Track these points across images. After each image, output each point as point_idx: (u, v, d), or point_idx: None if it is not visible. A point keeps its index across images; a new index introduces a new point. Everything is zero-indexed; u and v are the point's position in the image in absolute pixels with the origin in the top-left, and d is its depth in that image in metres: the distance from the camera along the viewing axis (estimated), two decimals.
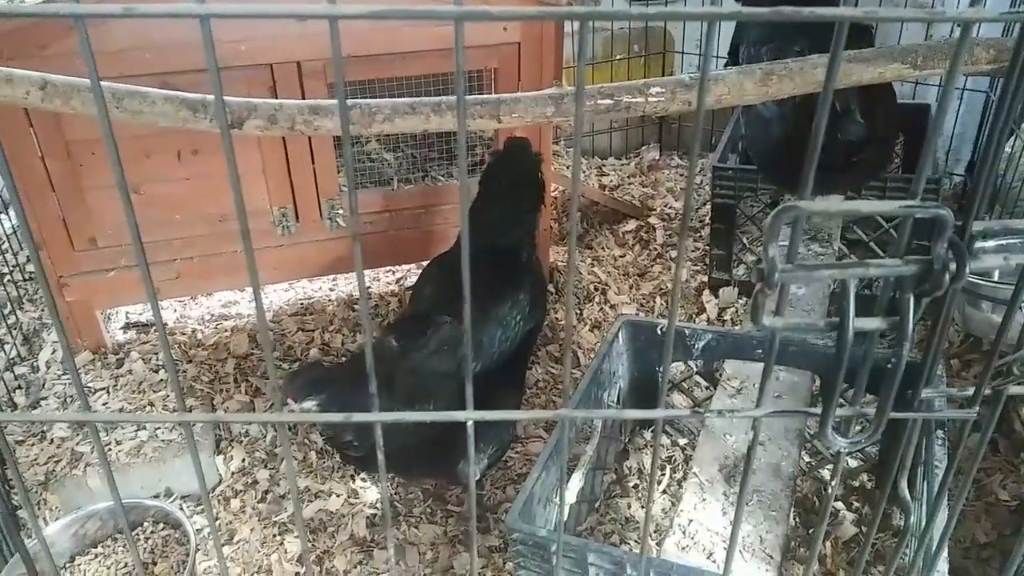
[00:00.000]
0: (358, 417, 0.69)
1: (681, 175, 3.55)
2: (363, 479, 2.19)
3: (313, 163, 2.30)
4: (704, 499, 1.50)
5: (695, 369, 1.91)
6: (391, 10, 0.49)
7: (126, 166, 1.82)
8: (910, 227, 0.58)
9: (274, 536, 2.01)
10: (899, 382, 0.63)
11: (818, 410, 0.65)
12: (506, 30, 2.26)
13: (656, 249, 3.06)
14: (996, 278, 1.51)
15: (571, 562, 1.31)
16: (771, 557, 1.38)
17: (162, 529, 1.79)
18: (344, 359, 2.45)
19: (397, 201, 2.46)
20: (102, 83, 1.47)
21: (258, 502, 2.10)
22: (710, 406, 1.77)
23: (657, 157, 3.72)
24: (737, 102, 1.73)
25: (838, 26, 0.49)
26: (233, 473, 2.16)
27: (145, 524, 1.79)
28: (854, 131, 1.84)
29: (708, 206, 3.24)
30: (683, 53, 3.62)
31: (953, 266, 0.54)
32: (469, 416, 0.67)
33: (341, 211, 2.38)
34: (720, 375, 1.83)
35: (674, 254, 3.02)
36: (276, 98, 2.14)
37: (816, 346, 1.75)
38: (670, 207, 3.28)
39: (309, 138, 2.27)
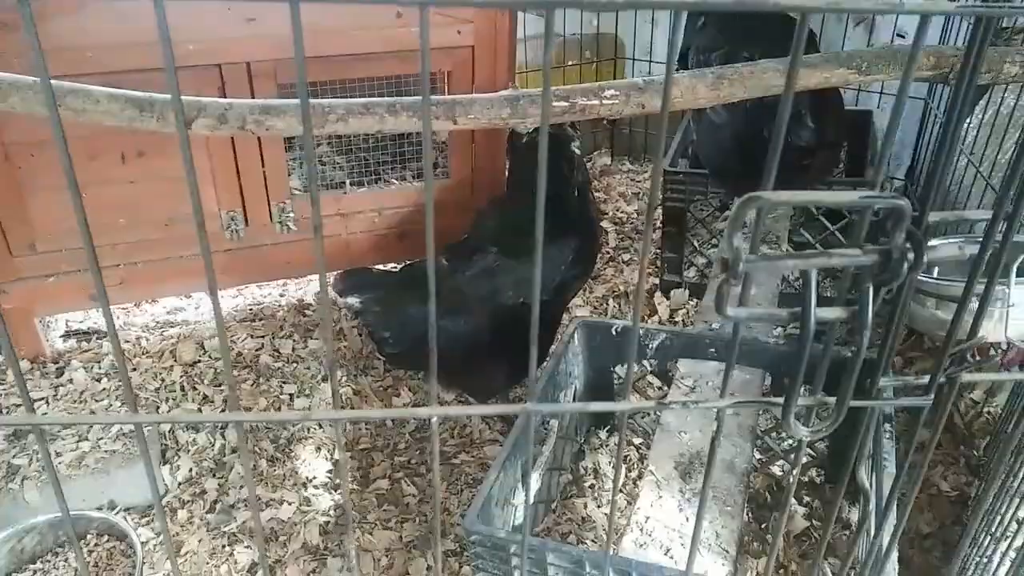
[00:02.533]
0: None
1: (632, 180, 3.59)
2: (315, 486, 2.15)
3: (263, 166, 2.26)
4: (660, 496, 1.51)
5: (649, 369, 1.92)
6: None
7: None
8: (868, 218, 0.59)
9: (223, 547, 1.96)
10: (858, 372, 0.64)
11: (781, 400, 0.66)
12: (460, 33, 2.26)
13: (608, 252, 3.08)
14: (936, 275, 1.56)
15: (530, 563, 1.30)
16: (727, 552, 1.40)
17: (107, 541, 1.72)
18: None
19: (349, 204, 2.43)
20: (60, 81, 1.42)
21: (206, 512, 2.04)
22: (666, 397, 1.78)
23: (608, 162, 3.76)
24: (690, 105, 1.76)
25: (801, 17, 0.50)
26: (180, 483, 2.10)
27: (89, 536, 1.72)
28: (805, 135, 1.89)
29: (659, 210, 3.29)
30: (634, 60, 3.67)
31: (911, 256, 0.55)
32: (433, 412, 0.66)
33: (292, 214, 2.35)
34: (673, 374, 1.85)
35: (626, 257, 3.05)
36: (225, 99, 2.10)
37: (767, 344, 1.78)
38: (622, 211, 3.31)
39: (259, 140, 2.23)
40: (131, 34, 1.95)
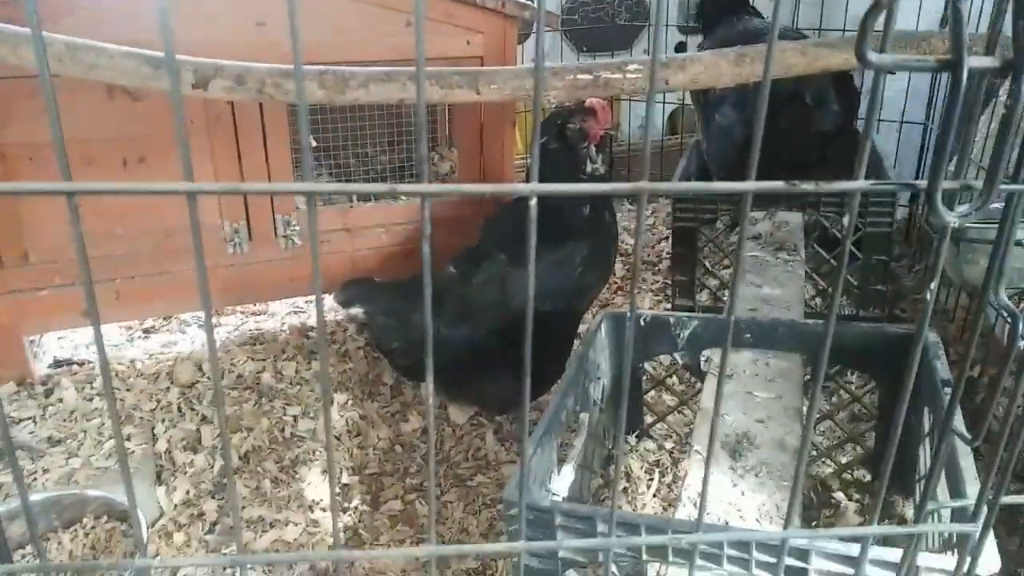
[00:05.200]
0: None
1: (634, 216, 3.56)
2: (322, 508, 1.99)
3: (269, 176, 2.20)
4: (711, 473, 1.40)
5: (680, 362, 1.83)
6: None
7: None
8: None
9: (224, 569, 1.79)
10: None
11: (924, 183, 0.58)
12: (469, 44, 2.25)
13: (615, 282, 3.01)
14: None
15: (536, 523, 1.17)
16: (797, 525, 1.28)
17: (106, 523, 1.56)
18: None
19: (356, 219, 2.36)
20: (54, 35, 1.36)
21: (205, 534, 1.88)
22: (700, 394, 1.68)
23: None
24: (713, 83, 1.74)
25: None
26: (176, 505, 1.94)
27: (85, 520, 1.56)
28: (830, 120, 1.86)
29: (664, 242, 3.26)
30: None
31: None
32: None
33: (297, 227, 2.27)
34: (708, 364, 1.75)
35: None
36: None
37: (807, 326, 1.70)
38: (626, 243, 3.27)
39: (266, 150, 2.18)
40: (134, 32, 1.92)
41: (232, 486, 0.63)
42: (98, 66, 1.37)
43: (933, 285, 0.62)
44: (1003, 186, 0.59)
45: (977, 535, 0.74)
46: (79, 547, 1.47)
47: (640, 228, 0.60)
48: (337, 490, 2.05)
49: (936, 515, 1.34)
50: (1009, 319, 0.64)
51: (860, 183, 0.58)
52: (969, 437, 0.75)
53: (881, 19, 0.51)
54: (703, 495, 0.70)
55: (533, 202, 0.58)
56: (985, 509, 0.75)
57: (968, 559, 0.76)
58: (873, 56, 0.53)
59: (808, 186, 0.58)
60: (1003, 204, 0.63)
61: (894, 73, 3.06)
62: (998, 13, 1.45)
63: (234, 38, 2.04)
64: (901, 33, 2.01)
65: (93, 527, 1.52)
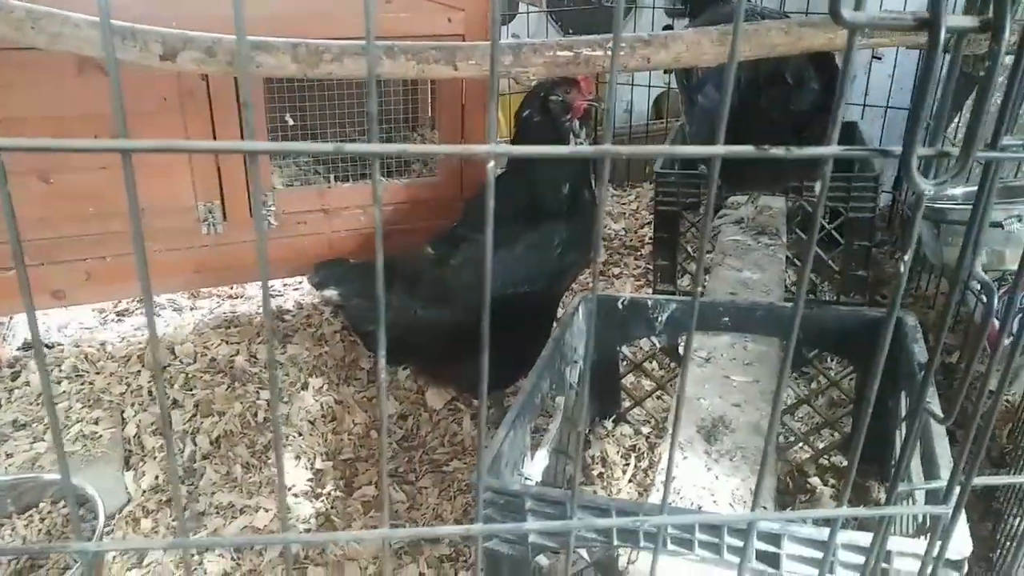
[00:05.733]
0: None
1: (618, 201, 3.54)
2: (295, 494, 1.96)
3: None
4: (685, 457, 1.38)
5: (658, 345, 1.81)
6: None
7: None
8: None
9: (192, 555, 1.76)
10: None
11: (898, 149, 0.56)
12: (450, 21, 2.21)
13: (598, 267, 2.99)
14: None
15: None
16: (764, 507, 1.26)
17: (63, 507, 1.52)
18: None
19: (333, 200, 2.32)
20: (13, 1, 1.32)
21: (173, 520, 1.84)
22: (677, 378, 1.66)
23: None
24: (695, 62, 1.70)
25: None
26: (144, 491, 1.90)
27: (42, 504, 1.52)
28: (808, 99, 1.84)
29: (647, 227, 3.23)
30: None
31: None
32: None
33: (273, 208, 2.23)
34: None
35: (616, 271, 2.97)
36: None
37: (785, 309, 1.68)
38: (609, 228, 3.24)
39: (241, 128, 2.13)
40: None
41: (174, 472, 0.59)
42: (62, 35, 1.32)
43: (907, 257, 0.60)
44: (981, 153, 0.56)
45: (948, 517, 0.72)
46: (34, 532, 1.43)
47: (603, 192, 0.57)
48: (310, 475, 2.02)
49: (911, 499, 1.33)
50: (984, 296, 0.62)
51: (832, 148, 0.55)
52: (941, 416, 0.73)
53: None
54: (667, 478, 0.68)
55: (491, 165, 0.55)
56: (957, 490, 0.74)
57: (939, 542, 0.75)
58: (847, 14, 0.51)
59: (778, 151, 0.56)
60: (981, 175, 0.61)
61: (880, 59, 3.03)
62: None
63: (209, 10, 1.99)
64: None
65: (50, 512, 1.49)
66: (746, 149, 0.55)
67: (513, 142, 2.16)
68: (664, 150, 0.56)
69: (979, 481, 0.76)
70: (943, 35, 0.51)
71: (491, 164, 0.55)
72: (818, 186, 0.56)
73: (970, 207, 1.55)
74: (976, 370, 0.71)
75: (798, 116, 1.87)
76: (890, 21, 0.52)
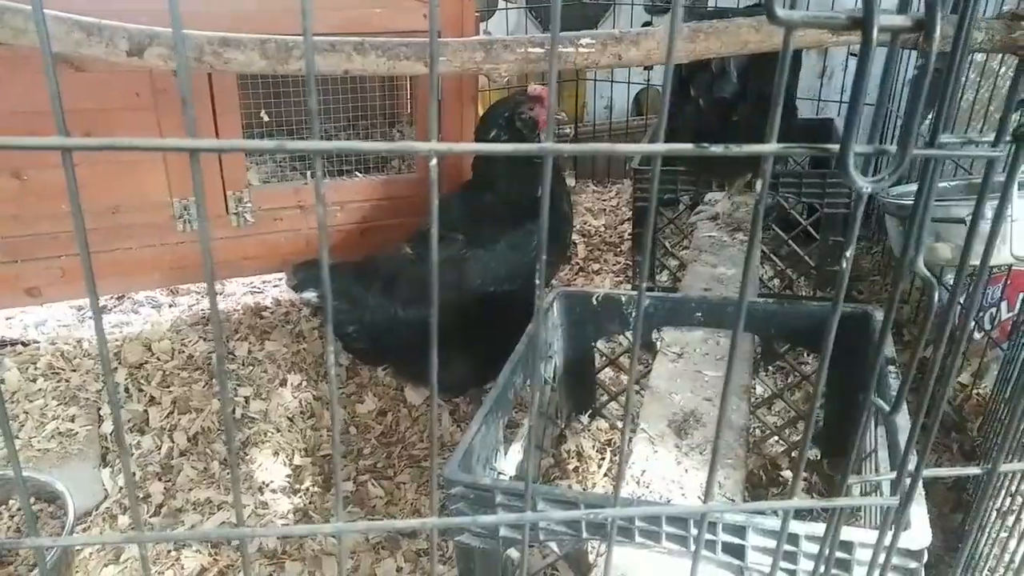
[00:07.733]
0: None
1: (598, 197, 3.55)
2: (272, 490, 1.97)
3: (219, 152, 2.14)
4: (656, 451, 1.39)
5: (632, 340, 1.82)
6: None
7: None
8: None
9: (168, 552, 1.76)
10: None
11: (836, 147, 0.57)
12: (425, 17, 2.21)
13: (578, 263, 3.00)
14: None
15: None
16: (732, 500, 1.28)
17: (33, 504, 1.52)
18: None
19: (310, 197, 2.32)
20: None
21: (151, 516, 1.84)
22: (650, 373, 1.67)
23: (573, 183, 3.73)
24: (663, 60, 1.72)
25: None
26: (121, 488, 1.90)
27: (12, 502, 1.52)
28: (728, 88, 1.91)
29: (627, 223, 3.24)
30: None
31: None
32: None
33: (249, 205, 2.23)
34: (659, 343, 1.75)
35: (596, 267, 2.98)
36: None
37: (757, 304, 1.69)
38: (589, 225, 3.25)
39: (216, 125, 2.13)
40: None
41: (126, 460, 0.60)
42: (26, 31, 1.31)
43: (848, 253, 0.61)
44: (918, 151, 0.57)
45: (896, 508, 0.73)
46: (3, 529, 1.43)
47: (546, 192, 0.58)
48: (289, 471, 2.02)
49: (879, 491, 1.35)
50: (927, 291, 0.63)
51: (771, 146, 0.56)
52: (888, 408, 0.74)
53: None
54: (619, 470, 0.68)
55: (433, 163, 0.56)
56: (908, 481, 0.75)
57: (890, 532, 0.76)
58: (781, 13, 0.52)
59: (717, 148, 0.56)
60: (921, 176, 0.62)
61: (848, 51, 2.99)
62: None
63: (189, 7, 1.98)
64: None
65: (19, 509, 1.49)
66: (685, 147, 0.56)
67: (481, 163, 2.19)
68: (604, 148, 0.57)
69: (930, 473, 0.77)
70: (876, 34, 0.52)
71: (433, 162, 0.56)
72: (759, 184, 0.57)
73: (942, 204, 1.56)
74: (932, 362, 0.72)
75: (719, 102, 1.94)
76: (823, 20, 0.53)
